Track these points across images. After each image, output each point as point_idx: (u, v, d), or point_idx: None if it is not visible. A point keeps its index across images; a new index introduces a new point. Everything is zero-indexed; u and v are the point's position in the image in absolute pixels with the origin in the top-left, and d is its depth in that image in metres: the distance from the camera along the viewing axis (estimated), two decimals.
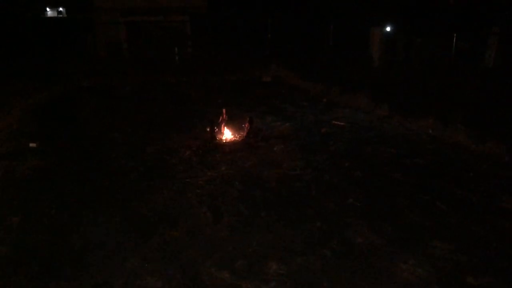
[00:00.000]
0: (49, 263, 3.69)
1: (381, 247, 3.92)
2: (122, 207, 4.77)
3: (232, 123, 7.75)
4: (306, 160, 6.20)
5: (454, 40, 12.58)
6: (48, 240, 4.06)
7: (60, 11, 31.91)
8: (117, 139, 7.45)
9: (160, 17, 18.04)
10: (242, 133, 7.45)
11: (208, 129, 7.19)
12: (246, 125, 7.36)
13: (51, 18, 29.01)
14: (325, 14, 17.88)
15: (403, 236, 4.12)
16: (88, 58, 17.55)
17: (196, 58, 16.90)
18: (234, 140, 7.24)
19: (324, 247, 3.91)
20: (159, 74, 14.73)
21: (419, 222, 4.37)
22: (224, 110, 7.59)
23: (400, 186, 5.28)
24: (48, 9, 31.30)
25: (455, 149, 6.68)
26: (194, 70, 15.09)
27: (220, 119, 7.57)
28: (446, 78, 9.81)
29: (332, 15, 17.41)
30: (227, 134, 7.36)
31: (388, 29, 15.76)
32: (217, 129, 7.24)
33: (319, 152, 6.57)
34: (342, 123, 8.27)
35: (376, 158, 6.26)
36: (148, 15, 17.90)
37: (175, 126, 8.20)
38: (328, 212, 4.60)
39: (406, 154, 6.44)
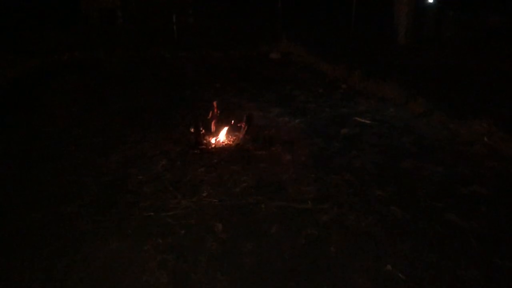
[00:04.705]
0: None
1: None
2: (47, 267, 3.14)
3: (226, 119, 6.01)
4: (321, 183, 4.48)
5: None
6: None
7: None
8: (79, 139, 5.78)
9: None
10: (237, 134, 5.73)
11: (192, 130, 5.46)
12: (242, 125, 5.62)
13: None
14: None
15: None
16: (78, 26, 15.77)
17: (197, 29, 15.02)
18: (226, 145, 5.52)
19: None
20: (154, 48, 12.92)
21: None
22: (215, 103, 5.84)
23: (461, 238, 3.55)
24: None
25: None
26: (194, 44, 13.26)
27: (210, 114, 5.84)
28: (497, 63, 7.89)
29: None
30: (218, 136, 5.63)
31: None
32: (203, 130, 5.52)
33: (338, 168, 4.84)
34: (367, 121, 6.48)
35: (419, 183, 4.51)
36: None
37: (156, 120, 6.51)
38: None
39: (459, 176, 4.67)
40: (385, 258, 3.27)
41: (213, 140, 5.55)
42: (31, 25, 14.62)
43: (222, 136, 5.60)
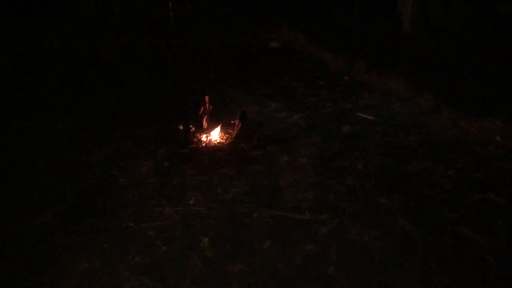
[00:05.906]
0: None
1: None
2: None
3: (219, 115, 5.61)
4: (321, 189, 4.09)
5: None
6: None
7: None
8: (61, 136, 5.40)
9: None
10: (231, 131, 5.32)
11: (181, 128, 5.04)
12: (236, 122, 5.20)
13: None
14: None
15: None
16: (73, 12, 15.23)
17: (195, 16, 14.49)
18: (219, 143, 5.12)
19: None
20: (149, 36, 12.40)
21: None
22: (207, 98, 5.43)
23: (476, 255, 3.16)
24: None
25: None
26: (191, 31, 12.76)
27: (202, 110, 5.43)
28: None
29: None
30: (210, 134, 5.22)
31: None
32: (193, 128, 5.10)
33: (339, 171, 4.44)
34: (371, 117, 6.06)
35: (427, 189, 4.11)
36: None
37: (144, 115, 6.11)
38: None
39: (471, 181, 4.27)
40: (391, 281, 2.89)
41: (204, 138, 5.15)
42: (22, 12, 14.10)
43: (214, 134, 5.20)
